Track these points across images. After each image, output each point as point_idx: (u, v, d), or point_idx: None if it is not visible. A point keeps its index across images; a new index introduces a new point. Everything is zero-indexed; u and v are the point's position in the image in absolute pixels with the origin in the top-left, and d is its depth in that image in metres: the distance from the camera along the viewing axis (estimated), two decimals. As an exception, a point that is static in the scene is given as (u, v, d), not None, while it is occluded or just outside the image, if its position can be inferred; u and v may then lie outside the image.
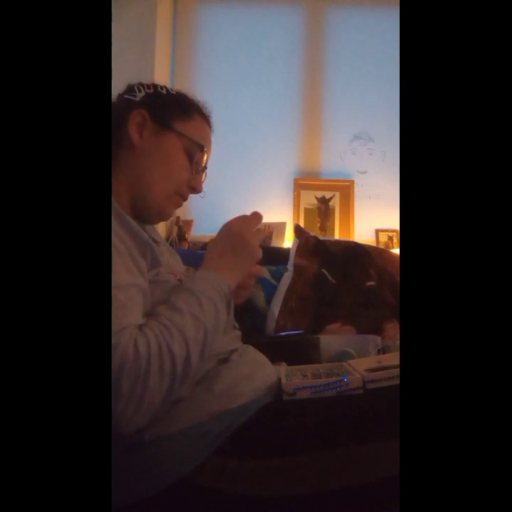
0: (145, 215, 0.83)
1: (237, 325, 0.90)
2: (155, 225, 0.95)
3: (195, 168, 0.85)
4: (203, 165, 0.87)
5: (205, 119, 0.89)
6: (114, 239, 0.65)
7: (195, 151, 0.84)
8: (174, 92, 0.87)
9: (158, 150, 0.81)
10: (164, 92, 0.86)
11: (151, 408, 0.60)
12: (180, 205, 0.87)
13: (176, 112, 0.84)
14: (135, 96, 0.83)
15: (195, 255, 1.87)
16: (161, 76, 2.36)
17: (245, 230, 0.75)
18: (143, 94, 0.83)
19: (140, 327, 0.62)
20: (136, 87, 0.85)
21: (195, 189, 0.87)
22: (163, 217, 0.86)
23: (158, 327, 0.62)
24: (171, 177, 0.82)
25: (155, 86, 0.86)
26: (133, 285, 0.65)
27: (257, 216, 0.78)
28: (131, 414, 0.58)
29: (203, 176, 0.89)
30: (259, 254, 0.76)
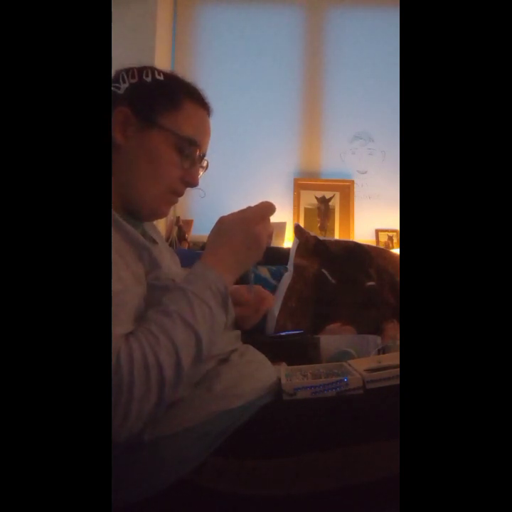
0: (138, 214, 0.80)
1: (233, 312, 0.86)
2: (155, 224, 0.94)
3: (188, 162, 0.79)
4: (198, 156, 0.81)
5: (199, 102, 0.81)
6: None
7: (184, 146, 0.78)
8: (161, 77, 0.79)
9: (143, 149, 0.76)
10: (149, 79, 0.78)
11: (140, 417, 0.59)
12: (175, 202, 0.83)
13: (161, 104, 0.77)
14: (119, 88, 0.77)
15: (195, 255, 1.87)
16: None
17: (257, 222, 0.70)
18: (126, 85, 0.77)
19: (127, 336, 0.61)
20: (120, 77, 0.78)
21: (191, 184, 0.81)
22: (157, 215, 0.83)
23: (144, 335, 0.61)
24: (160, 176, 0.77)
25: (140, 73, 0.78)
26: (122, 292, 0.63)
27: (269, 207, 0.71)
28: (118, 425, 0.57)
29: (205, 165, 0.84)
30: (264, 249, 0.71)
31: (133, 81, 0.77)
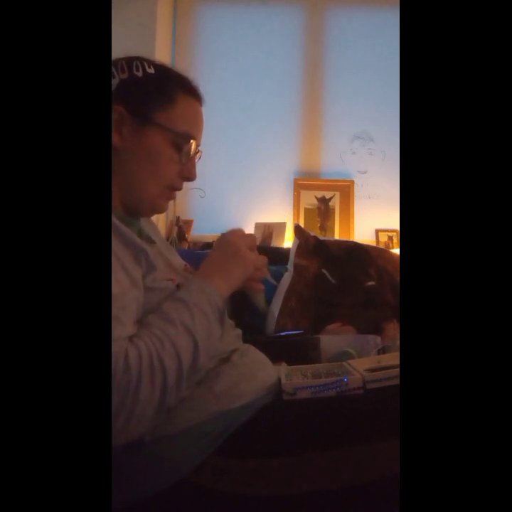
0: (137, 210, 0.80)
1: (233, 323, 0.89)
2: (155, 222, 0.93)
3: (185, 157, 0.78)
4: (194, 150, 0.80)
5: (192, 94, 0.80)
6: None
7: (182, 143, 0.77)
8: (152, 70, 0.76)
9: (141, 148, 0.75)
10: (140, 74, 0.75)
11: (142, 421, 0.60)
12: (173, 197, 0.83)
13: (156, 100, 0.75)
14: None
15: (195, 255, 1.87)
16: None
17: (237, 239, 0.77)
18: (117, 81, 0.74)
19: (131, 338, 0.62)
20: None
21: (189, 178, 0.81)
22: (157, 211, 0.83)
23: (150, 338, 0.62)
24: (160, 174, 0.77)
25: (129, 67, 0.75)
26: (123, 295, 0.63)
27: (251, 235, 0.82)
28: (120, 428, 0.58)
29: (198, 157, 0.83)
30: (255, 261, 0.78)
31: (123, 76, 0.75)
